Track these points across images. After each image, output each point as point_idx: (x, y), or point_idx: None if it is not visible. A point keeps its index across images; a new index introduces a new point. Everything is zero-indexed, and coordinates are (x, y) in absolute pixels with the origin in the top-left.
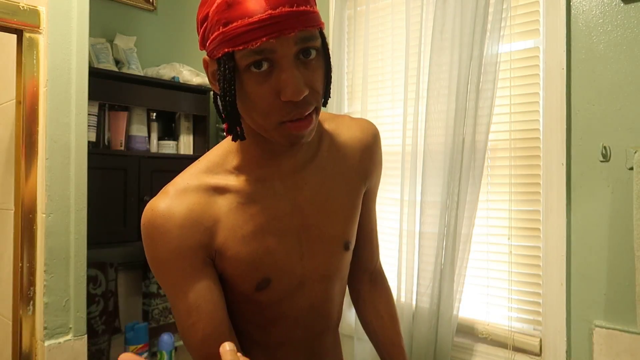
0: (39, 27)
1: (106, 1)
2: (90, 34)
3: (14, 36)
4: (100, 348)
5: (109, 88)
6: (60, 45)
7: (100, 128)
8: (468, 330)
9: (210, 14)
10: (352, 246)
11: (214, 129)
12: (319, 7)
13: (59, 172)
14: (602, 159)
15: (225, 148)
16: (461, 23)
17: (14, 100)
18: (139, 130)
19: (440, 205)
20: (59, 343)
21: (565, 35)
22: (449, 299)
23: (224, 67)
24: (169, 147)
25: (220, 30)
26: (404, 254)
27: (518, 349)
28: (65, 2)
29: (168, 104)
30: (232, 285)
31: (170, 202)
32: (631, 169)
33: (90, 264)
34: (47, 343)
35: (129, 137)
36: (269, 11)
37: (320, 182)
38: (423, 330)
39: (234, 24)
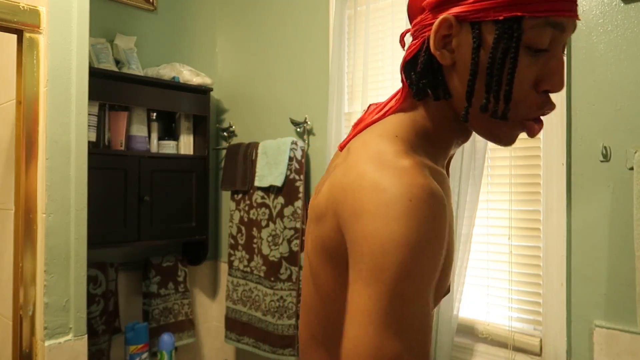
0: (39, 27)
1: (106, 1)
2: (91, 34)
3: (14, 36)
4: (101, 348)
5: (109, 88)
6: (61, 45)
7: (100, 128)
8: (468, 330)
9: None
10: None
11: (214, 129)
12: (319, 7)
13: (59, 172)
14: (602, 159)
15: (408, 124)
16: None
17: (14, 100)
18: (139, 130)
19: None
20: (59, 343)
21: None
22: (449, 299)
23: (507, 34)
24: (169, 147)
25: None
26: None
27: (518, 349)
28: (66, 2)
29: (168, 104)
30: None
31: (429, 179)
32: (631, 169)
33: (90, 264)
34: (47, 343)
35: (129, 137)
36: None
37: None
38: None
39: None
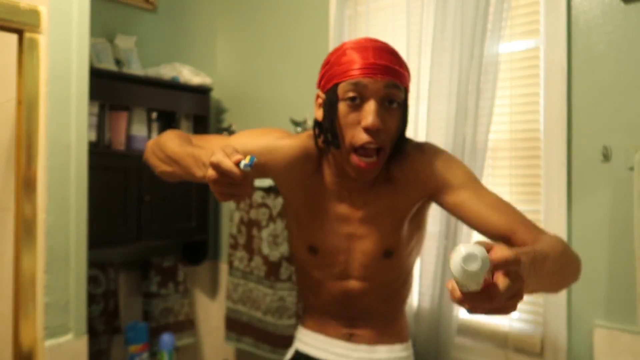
0: (39, 27)
1: (106, 1)
2: (91, 34)
3: (15, 36)
4: (101, 348)
5: (110, 88)
6: (61, 45)
7: (100, 128)
8: (469, 330)
9: (331, 60)
10: (396, 254)
11: (214, 129)
12: (319, 7)
13: (59, 172)
14: (602, 159)
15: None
16: (462, 23)
17: (14, 100)
18: (139, 130)
19: None
20: (59, 343)
21: (565, 35)
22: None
23: (330, 95)
24: None
25: (334, 69)
26: None
27: (518, 349)
28: (66, 2)
29: (168, 104)
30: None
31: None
32: (632, 169)
33: (90, 264)
34: (47, 343)
35: (129, 137)
36: (372, 60)
37: (373, 202)
38: (424, 330)
39: (344, 65)
